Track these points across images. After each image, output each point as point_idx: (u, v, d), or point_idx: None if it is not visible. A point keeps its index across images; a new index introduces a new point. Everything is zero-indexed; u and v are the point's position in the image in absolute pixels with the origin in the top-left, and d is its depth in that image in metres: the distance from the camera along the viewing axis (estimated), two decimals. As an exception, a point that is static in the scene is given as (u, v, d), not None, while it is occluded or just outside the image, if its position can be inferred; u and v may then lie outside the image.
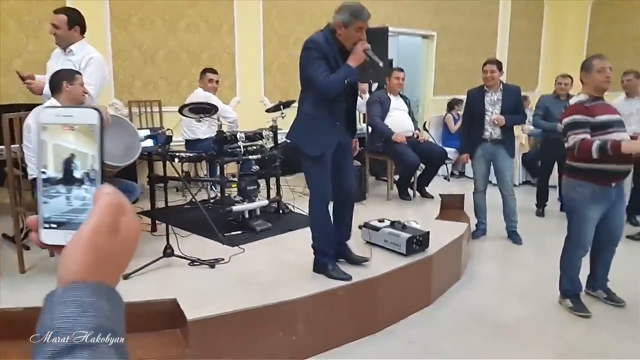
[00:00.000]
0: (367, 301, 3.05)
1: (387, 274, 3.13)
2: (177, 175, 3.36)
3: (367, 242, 3.54)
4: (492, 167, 4.51)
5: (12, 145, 3.01)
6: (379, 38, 5.81)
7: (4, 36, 4.26)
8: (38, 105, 3.24)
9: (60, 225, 0.54)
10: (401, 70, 4.90)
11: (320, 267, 3.04)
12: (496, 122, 4.29)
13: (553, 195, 5.73)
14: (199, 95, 4.55)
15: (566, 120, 3.03)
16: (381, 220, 3.55)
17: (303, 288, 2.88)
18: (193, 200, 3.72)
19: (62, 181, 0.54)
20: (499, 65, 4.38)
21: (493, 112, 4.33)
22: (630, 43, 8.68)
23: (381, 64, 2.76)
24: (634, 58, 8.08)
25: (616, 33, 9.08)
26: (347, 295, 2.94)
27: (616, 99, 4.94)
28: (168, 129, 3.05)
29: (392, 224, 3.55)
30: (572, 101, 3.16)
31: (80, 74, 3.02)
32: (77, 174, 0.53)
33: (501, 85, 4.38)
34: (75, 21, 3.29)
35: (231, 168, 4.80)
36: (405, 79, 5.01)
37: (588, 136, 2.92)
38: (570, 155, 3.07)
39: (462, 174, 7.73)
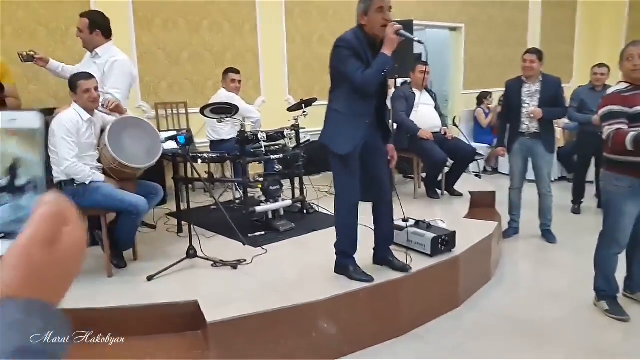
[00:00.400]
0: (390, 303, 2.97)
1: (411, 275, 3.04)
2: (200, 176, 3.35)
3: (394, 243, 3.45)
4: (529, 162, 4.35)
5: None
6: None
7: (33, 43, 4.34)
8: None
9: (8, 235, 0.51)
10: (425, 63, 4.77)
11: (341, 268, 2.99)
12: (532, 115, 4.13)
13: (590, 191, 5.51)
14: (222, 95, 4.55)
15: (602, 111, 2.88)
16: (405, 220, 3.46)
17: (324, 290, 2.82)
18: (211, 201, 3.70)
19: (6, 189, 0.50)
20: (540, 55, 4.18)
21: (530, 104, 4.17)
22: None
23: (416, 39, 2.68)
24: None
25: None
26: (369, 298, 2.87)
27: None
28: (188, 130, 3.04)
29: (417, 224, 3.46)
30: (609, 91, 3.01)
31: (88, 78, 3.03)
32: (21, 181, 0.50)
33: (540, 77, 4.20)
34: (97, 25, 3.33)
35: (257, 168, 4.79)
36: (430, 73, 4.87)
37: (624, 127, 2.77)
38: (607, 147, 2.93)
39: (495, 171, 7.54)
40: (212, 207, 4.44)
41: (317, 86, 6.33)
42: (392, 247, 3.16)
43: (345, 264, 2.97)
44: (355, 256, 2.98)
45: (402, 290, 3.03)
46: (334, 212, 3.02)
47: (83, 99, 3.02)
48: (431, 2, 7.34)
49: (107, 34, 3.42)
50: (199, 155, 3.76)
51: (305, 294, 2.78)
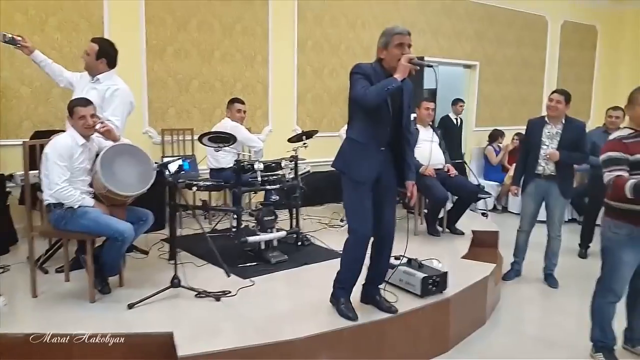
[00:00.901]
0: (374, 345, 2.87)
1: (398, 316, 2.94)
2: (188, 203, 3.35)
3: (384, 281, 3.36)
4: (543, 204, 4.23)
5: (31, 171, 3.10)
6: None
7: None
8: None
9: None
10: (431, 100, 4.75)
11: (334, 298, 2.96)
12: (548, 157, 4.03)
13: (599, 235, 5.32)
14: (227, 125, 4.59)
15: (603, 157, 2.80)
16: (398, 258, 3.38)
17: (307, 327, 2.75)
18: (208, 228, 3.67)
19: None
20: (567, 97, 4.06)
21: (550, 146, 4.07)
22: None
23: (428, 65, 2.68)
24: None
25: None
26: (352, 338, 2.79)
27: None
28: (180, 158, 3.06)
29: (409, 262, 3.37)
30: (611, 136, 2.92)
31: (85, 105, 3.07)
32: None
33: (564, 119, 4.10)
34: (104, 53, 3.41)
35: (260, 198, 4.78)
36: (435, 109, 4.84)
37: (624, 174, 2.68)
38: (607, 193, 2.84)
39: (504, 209, 7.40)
40: (207, 234, 4.43)
41: (325, 118, 6.38)
42: (381, 286, 3.08)
43: (339, 295, 2.93)
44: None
45: (388, 332, 2.93)
46: (344, 243, 2.93)
47: (78, 125, 3.07)
48: (446, 39, 7.37)
49: (112, 64, 3.49)
50: (194, 182, 3.76)
51: (286, 330, 2.71)
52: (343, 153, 2.86)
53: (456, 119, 7.32)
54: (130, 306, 2.96)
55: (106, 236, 3.05)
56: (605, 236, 2.91)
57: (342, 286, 2.94)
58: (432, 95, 8.05)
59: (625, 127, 2.89)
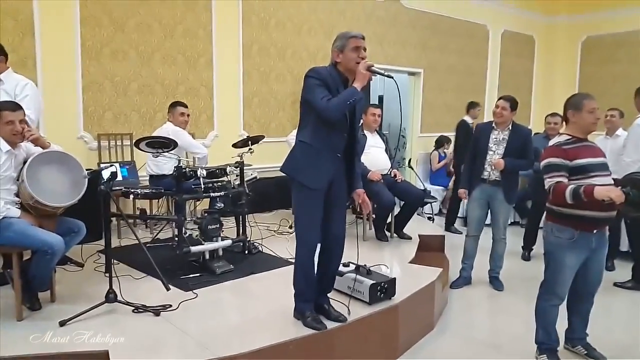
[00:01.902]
0: (323, 354, 2.79)
1: (346, 325, 2.88)
2: (122, 212, 3.16)
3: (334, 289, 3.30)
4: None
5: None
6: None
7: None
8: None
9: None
10: (377, 106, 4.75)
11: (297, 312, 2.87)
12: (494, 166, 4.08)
13: (541, 238, 5.49)
14: (169, 129, 4.39)
15: (543, 163, 2.84)
16: (346, 265, 3.32)
17: (248, 341, 2.63)
18: (149, 238, 3.48)
19: None
20: (513, 103, 4.12)
21: (496, 151, 4.12)
22: (620, 83, 8.62)
23: (388, 75, 2.62)
24: (624, 99, 7.98)
25: (605, 73, 9.08)
26: (298, 350, 2.68)
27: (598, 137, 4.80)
28: (112, 165, 2.87)
29: (358, 269, 3.32)
30: (550, 143, 2.97)
31: (11, 109, 2.85)
32: None
33: (510, 125, 4.17)
34: (1, 51, 3.30)
35: (205, 205, 4.60)
36: (382, 116, 4.85)
37: (564, 179, 2.74)
38: (549, 197, 2.89)
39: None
40: (148, 244, 4.22)
41: (273, 122, 6.27)
42: (330, 294, 3.01)
43: (302, 309, 2.85)
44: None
45: (336, 341, 2.86)
46: (294, 252, 2.84)
47: (5, 131, 2.83)
48: (391, 47, 7.45)
49: (6, 60, 3.36)
50: (131, 190, 3.56)
51: (229, 344, 2.59)
52: (294, 157, 2.75)
53: (472, 124, 6.86)
54: (62, 323, 2.75)
55: (33, 249, 2.83)
56: (548, 240, 2.96)
57: (302, 299, 2.86)
58: (379, 102, 8.17)
59: (563, 134, 2.94)
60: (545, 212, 3.00)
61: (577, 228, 2.79)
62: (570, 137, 2.87)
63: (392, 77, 2.68)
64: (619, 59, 9.01)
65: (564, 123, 3.09)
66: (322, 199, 2.72)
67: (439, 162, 7.67)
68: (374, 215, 4.89)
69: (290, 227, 4.91)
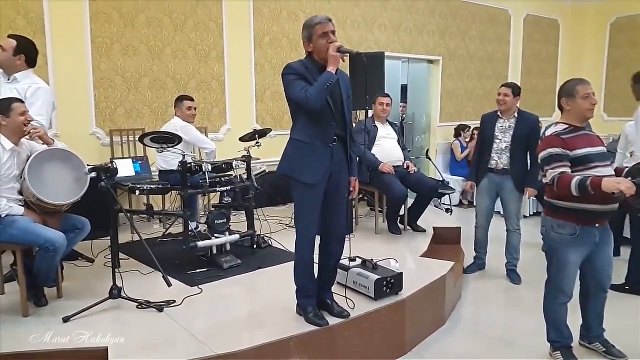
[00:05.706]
0: (325, 352, 2.73)
1: (350, 320, 2.82)
2: (122, 207, 3.17)
3: (338, 284, 3.23)
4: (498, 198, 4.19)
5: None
6: (375, 63, 5.62)
7: None
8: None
9: None
10: (386, 95, 4.63)
11: (300, 308, 2.85)
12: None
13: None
14: (177, 124, 4.37)
15: (542, 154, 2.67)
16: (352, 259, 3.25)
17: (251, 338, 2.60)
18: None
19: None
20: (515, 89, 4.03)
21: (502, 139, 4.03)
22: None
23: (355, 52, 2.61)
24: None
25: (637, 55, 8.66)
26: (300, 347, 2.64)
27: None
28: (112, 161, 2.86)
29: (363, 263, 3.25)
30: (547, 132, 2.79)
31: (20, 101, 2.86)
32: None
33: (516, 112, 4.06)
34: (22, 50, 3.20)
35: (217, 200, 4.58)
36: (390, 105, 4.72)
37: (568, 170, 2.59)
38: (548, 191, 2.74)
39: (471, 204, 7.35)
40: (159, 239, 4.24)
41: (286, 115, 6.14)
42: (334, 289, 2.96)
43: (304, 305, 2.81)
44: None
45: (340, 338, 2.80)
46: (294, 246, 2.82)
47: (18, 122, 2.84)
48: (408, 35, 7.28)
49: (32, 63, 3.28)
50: (137, 185, 3.56)
51: (228, 342, 2.55)
52: (287, 156, 2.73)
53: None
54: (66, 319, 2.77)
55: (36, 246, 2.84)
56: (549, 237, 2.80)
57: (303, 294, 2.82)
58: (404, 91, 8.00)
59: (559, 123, 2.78)
60: (545, 206, 2.84)
61: (579, 222, 2.65)
62: (567, 125, 2.71)
63: (362, 54, 2.64)
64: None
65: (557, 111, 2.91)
66: (320, 192, 2.68)
67: (461, 151, 7.51)
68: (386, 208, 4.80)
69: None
